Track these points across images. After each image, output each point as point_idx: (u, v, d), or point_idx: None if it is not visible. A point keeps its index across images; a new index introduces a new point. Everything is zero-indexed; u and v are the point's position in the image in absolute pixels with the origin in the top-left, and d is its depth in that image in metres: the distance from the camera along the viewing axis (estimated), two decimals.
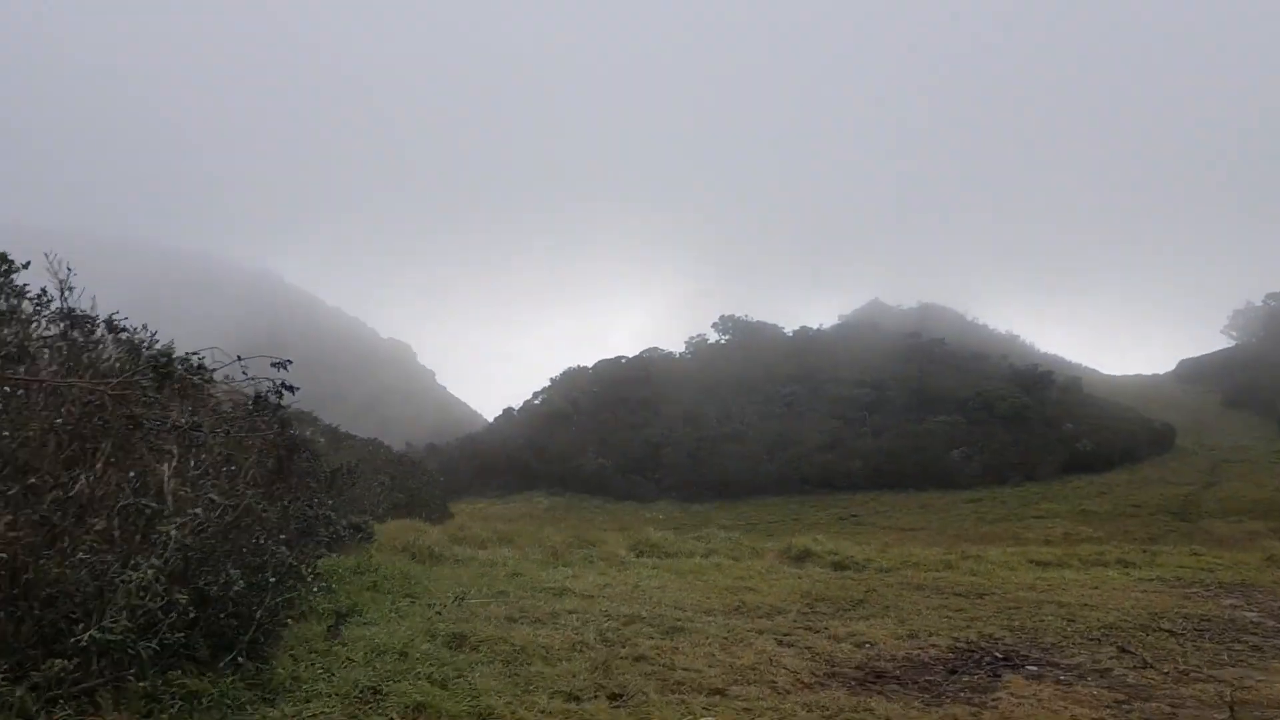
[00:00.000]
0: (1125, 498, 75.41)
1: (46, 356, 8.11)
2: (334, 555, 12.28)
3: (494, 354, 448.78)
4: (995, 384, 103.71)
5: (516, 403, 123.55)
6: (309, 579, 9.71)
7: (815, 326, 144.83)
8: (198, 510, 7.44)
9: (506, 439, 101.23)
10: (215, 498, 7.68)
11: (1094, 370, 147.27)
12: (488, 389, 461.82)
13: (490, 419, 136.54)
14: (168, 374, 8.18)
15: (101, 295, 8.91)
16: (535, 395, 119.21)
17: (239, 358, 9.24)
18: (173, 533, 6.74)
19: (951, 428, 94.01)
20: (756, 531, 78.36)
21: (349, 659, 7.44)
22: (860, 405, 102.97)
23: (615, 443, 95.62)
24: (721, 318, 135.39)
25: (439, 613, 9.55)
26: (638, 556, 16.62)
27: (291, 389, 9.37)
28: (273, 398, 9.49)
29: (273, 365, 9.44)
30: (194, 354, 8.78)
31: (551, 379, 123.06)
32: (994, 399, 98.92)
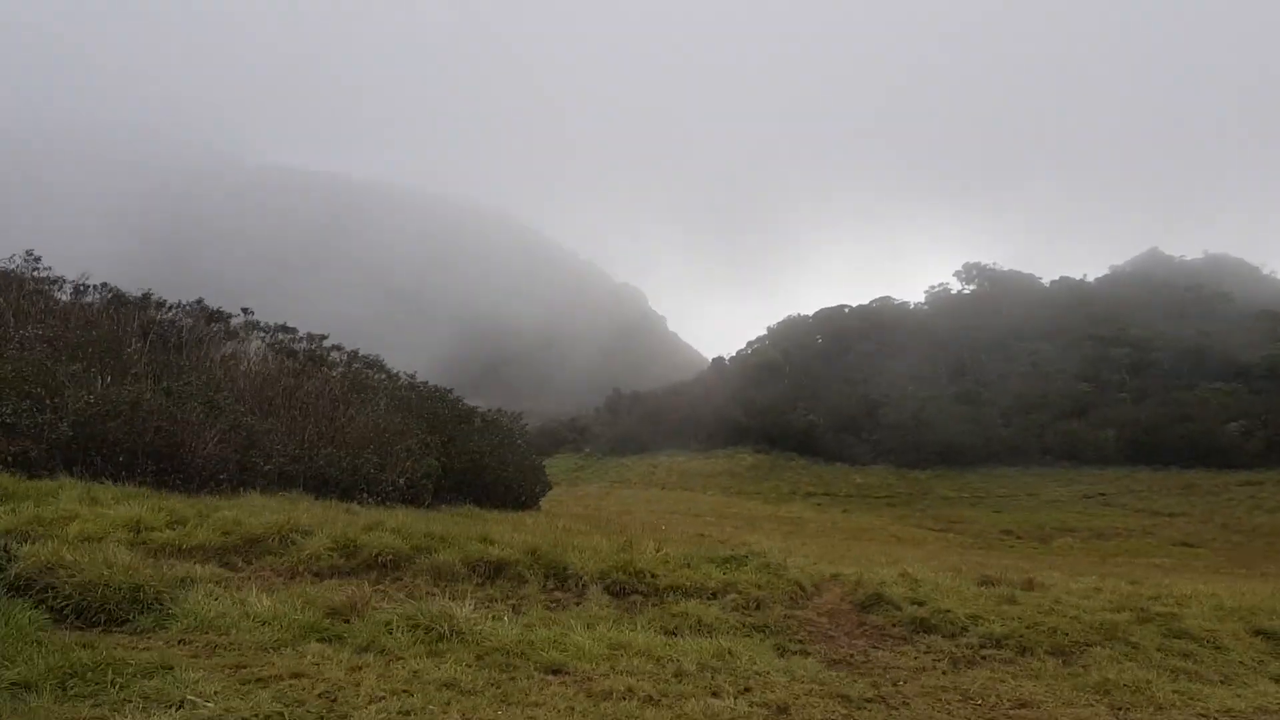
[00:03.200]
0: None
1: None
2: None
3: (732, 300, 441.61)
4: None
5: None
6: None
7: (1079, 277, 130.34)
8: None
9: (712, 390, 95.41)
10: None
11: None
12: (724, 337, 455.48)
13: None
14: None
15: None
16: (749, 345, 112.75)
17: None
18: None
19: (1229, 396, 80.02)
20: (983, 506, 69.70)
21: None
22: (1119, 366, 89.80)
23: (829, 398, 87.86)
24: (965, 265, 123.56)
25: None
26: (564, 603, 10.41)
27: None
28: None
29: None
30: None
31: (769, 328, 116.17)
32: None
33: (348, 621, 8.11)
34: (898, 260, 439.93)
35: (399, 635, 7.80)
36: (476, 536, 12.72)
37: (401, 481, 19.84)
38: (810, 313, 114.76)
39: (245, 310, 22.10)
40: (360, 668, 7.00)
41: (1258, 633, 11.09)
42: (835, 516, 62.59)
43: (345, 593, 8.61)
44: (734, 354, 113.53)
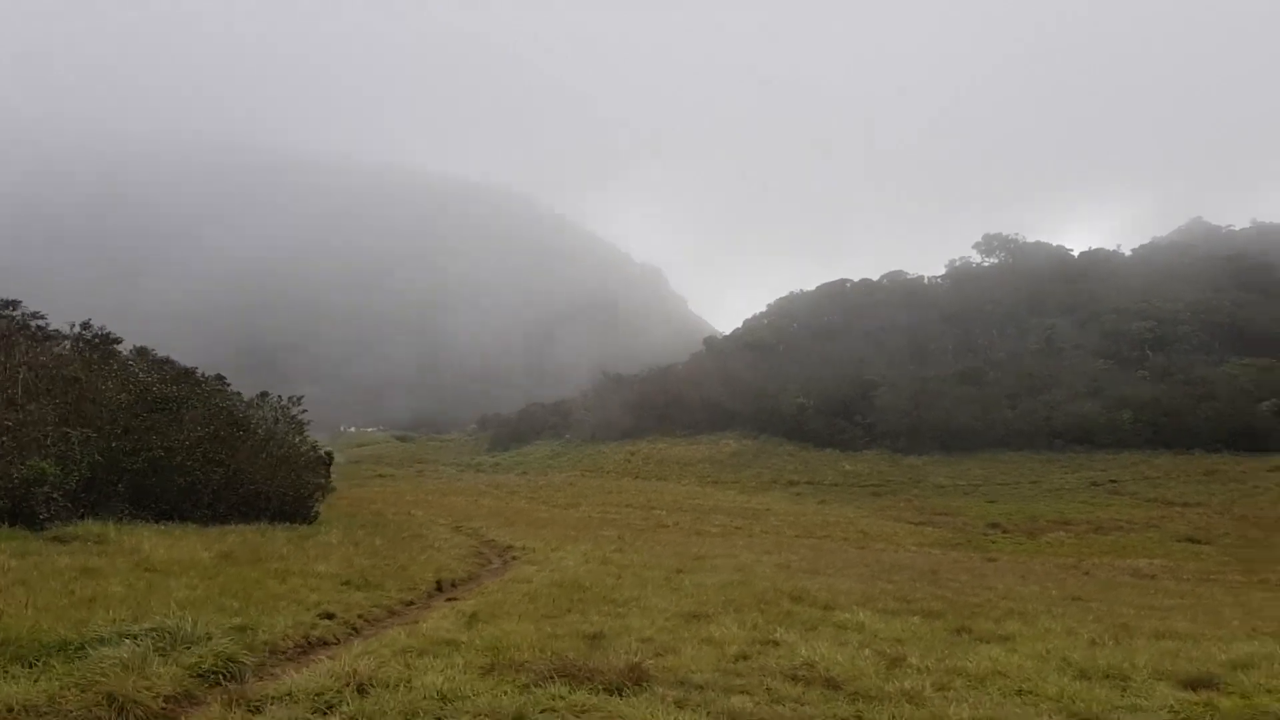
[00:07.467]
0: None
1: None
2: None
3: (752, 281, 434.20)
4: None
5: None
6: None
7: (1112, 248, 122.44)
8: None
9: (701, 373, 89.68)
10: None
11: None
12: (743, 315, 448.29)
13: None
14: None
15: None
16: (745, 323, 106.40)
17: None
18: None
19: (1262, 373, 72.49)
20: (978, 495, 63.40)
21: None
22: (1139, 341, 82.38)
23: (823, 379, 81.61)
24: (985, 236, 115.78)
25: None
26: None
27: None
28: None
29: None
30: None
31: (768, 304, 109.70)
32: None
33: None
34: (935, 236, 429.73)
35: None
36: None
37: None
38: (812, 288, 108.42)
39: None
40: None
41: None
42: (808, 508, 56.90)
43: None
44: (728, 333, 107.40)
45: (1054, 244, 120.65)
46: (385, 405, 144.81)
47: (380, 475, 69.73)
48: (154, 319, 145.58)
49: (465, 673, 7.79)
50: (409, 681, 7.30)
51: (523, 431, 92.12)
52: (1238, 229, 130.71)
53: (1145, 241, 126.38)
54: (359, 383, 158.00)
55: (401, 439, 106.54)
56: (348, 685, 7.12)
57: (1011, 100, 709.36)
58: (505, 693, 7.31)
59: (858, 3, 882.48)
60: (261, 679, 8.16)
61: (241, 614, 9.73)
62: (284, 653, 8.90)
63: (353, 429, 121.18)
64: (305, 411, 23.19)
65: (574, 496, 58.09)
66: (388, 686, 7.11)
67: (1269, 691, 8.60)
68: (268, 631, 9.08)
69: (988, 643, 11.56)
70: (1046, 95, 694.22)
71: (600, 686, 7.69)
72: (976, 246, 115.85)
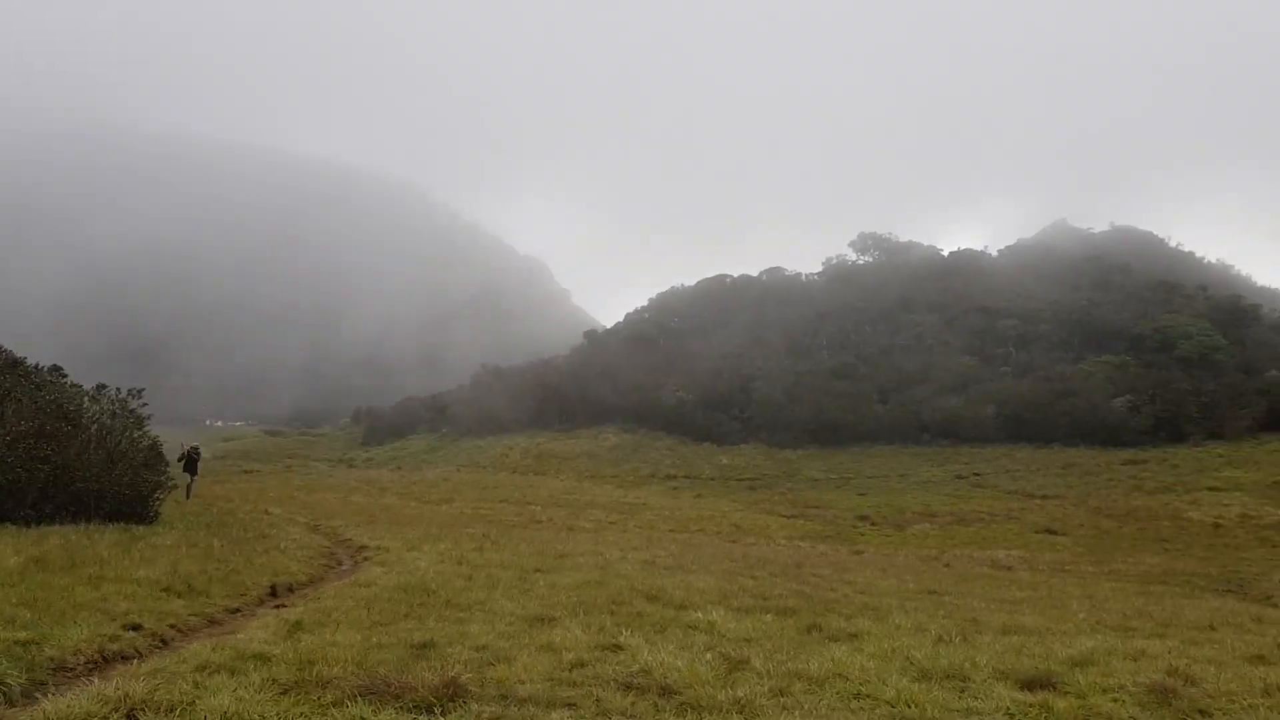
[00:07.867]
0: None
1: None
2: None
3: (636, 274, 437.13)
4: (1182, 319, 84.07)
5: None
6: None
7: (980, 249, 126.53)
8: None
9: (581, 366, 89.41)
10: None
11: None
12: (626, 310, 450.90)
13: None
14: None
15: None
16: (627, 317, 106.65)
17: None
18: None
19: (1116, 370, 75.94)
20: (849, 488, 64.65)
21: None
22: (1004, 339, 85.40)
23: (701, 374, 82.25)
24: (861, 235, 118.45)
25: None
26: None
27: None
28: None
29: None
30: None
31: (650, 299, 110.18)
32: (1176, 336, 79.71)
33: None
34: (815, 234, 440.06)
35: None
36: None
37: None
38: (694, 283, 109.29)
39: None
40: None
41: None
42: (684, 502, 57.02)
43: None
44: (610, 326, 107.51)
45: (926, 244, 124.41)
46: (269, 398, 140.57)
47: (246, 472, 67.17)
48: (22, 306, 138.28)
49: (262, 692, 7.14)
50: (192, 704, 6.60)
51: (399, 425, 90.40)
52: (1097, 231, 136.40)
53: (1011, 243, 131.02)
54: (242, 375, 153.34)
55: (272, 434, 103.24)
56: (117, 710, 6.45)
57: (893, 102, 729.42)
58: (301, 715, 6.73)
59: (741, 3, 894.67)
60: (33, 702, 7.41)
61: (32, 627, 8.84)
62: (72, 670, 8.06)
63: (220, 423, 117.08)
64: (146, 405, 21.87)
65: (448, 492, 56.88)
66: (162, 711, 6.42)
67: (1104, 691, 8.55)
68: (56, 647, 8.22)
69: (837, 641, 11.34)
70: (927, 101, 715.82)
71: (410, 704, 7.15)
72: (852, 245, 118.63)
